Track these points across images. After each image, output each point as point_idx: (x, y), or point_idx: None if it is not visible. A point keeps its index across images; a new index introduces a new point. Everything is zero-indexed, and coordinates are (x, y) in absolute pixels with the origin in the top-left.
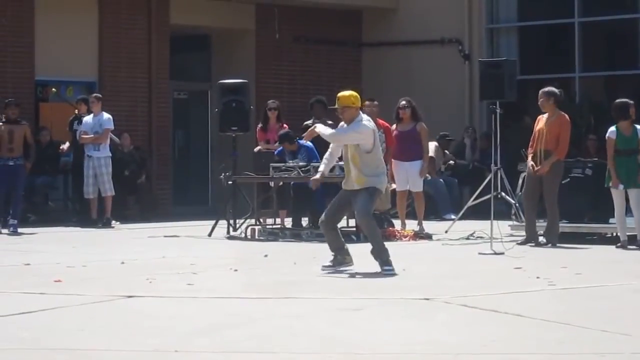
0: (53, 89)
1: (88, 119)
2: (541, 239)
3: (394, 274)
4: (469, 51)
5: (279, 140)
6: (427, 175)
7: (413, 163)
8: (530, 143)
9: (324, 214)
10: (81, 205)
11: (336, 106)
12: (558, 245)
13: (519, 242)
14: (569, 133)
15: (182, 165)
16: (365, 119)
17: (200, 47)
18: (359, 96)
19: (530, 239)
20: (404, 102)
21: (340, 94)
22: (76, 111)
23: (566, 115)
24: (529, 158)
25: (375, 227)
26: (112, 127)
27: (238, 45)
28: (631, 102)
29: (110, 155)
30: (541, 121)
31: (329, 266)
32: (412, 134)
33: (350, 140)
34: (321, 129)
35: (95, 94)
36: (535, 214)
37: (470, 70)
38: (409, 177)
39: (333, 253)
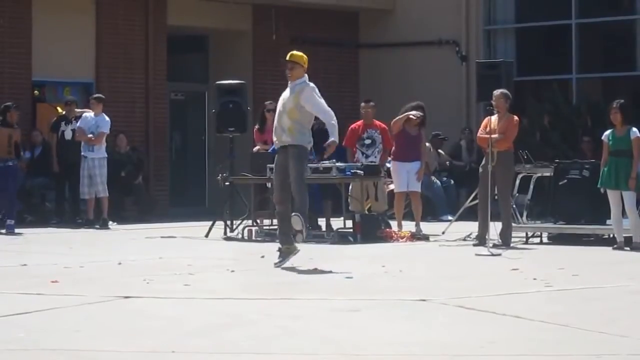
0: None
1: (89, 115)
2: (496, 240)
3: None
4: (466, 52)
5: None
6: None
7: (415, 163)
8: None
9: (275, 197)
10: (72, 206)
11: (287, 59)
12: (555, 245)
13: (474, 244)
14: (516, 130)
15: (179, 166)
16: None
17: (197, 48)
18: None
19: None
20: (420, 112)
21: (294, 52)
22: (63, 112)
23: (515, 117)
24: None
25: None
26: (107, 131)
27: (235, 46)
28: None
29: (106, 156)
30: (491, 123)
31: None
32: (418, 137)
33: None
34: (335, 138)
35: (96, 95)
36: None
37: (468, 72)
38: (409, 178)
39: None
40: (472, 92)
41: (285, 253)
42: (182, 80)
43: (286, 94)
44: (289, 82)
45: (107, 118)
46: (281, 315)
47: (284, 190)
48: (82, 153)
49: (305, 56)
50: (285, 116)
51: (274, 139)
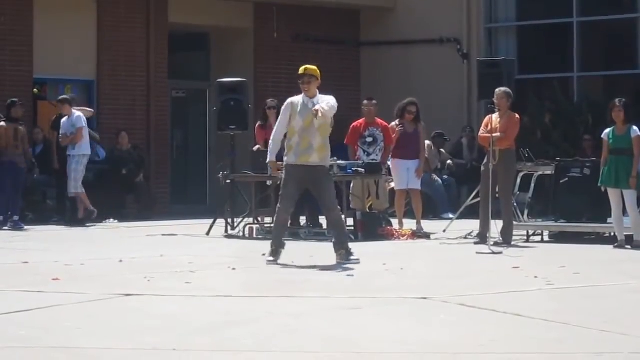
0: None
1: (64, 120)
2: (498, 238)
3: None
4: (468, 51)
5: None
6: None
7: (415, 161)
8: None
9: (285, 209)
10: (72, 204)
11: (303, 72)
12: (556, 243)
13: (475, 242)
14: (517, 129)
15: (181, 164)
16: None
17: (198, 46)
18: None
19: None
20: (412, 108)
21: (308, 66)
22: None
23: (516, 115)
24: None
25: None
26: (82, 124)
27: (236, 44)
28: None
29: (87, 153)
30: (492, 122)
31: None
32: (416, 134)
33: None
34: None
35: (59, 98)
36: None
37: (469, 70)
38: (409, 175)
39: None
40: (474, 91)
41: (275, 252)
42: (183, 78)
43: (305, 110)
44: (305, 96)
45: (77, 114)
46: (282, 313)
47: (293, 205)
48: (67, 152)
49: (318, 70)
50: (318, 134)
51: (294, 157)
